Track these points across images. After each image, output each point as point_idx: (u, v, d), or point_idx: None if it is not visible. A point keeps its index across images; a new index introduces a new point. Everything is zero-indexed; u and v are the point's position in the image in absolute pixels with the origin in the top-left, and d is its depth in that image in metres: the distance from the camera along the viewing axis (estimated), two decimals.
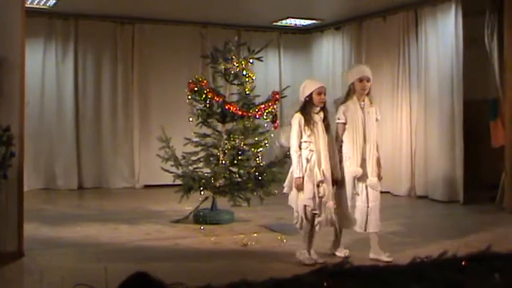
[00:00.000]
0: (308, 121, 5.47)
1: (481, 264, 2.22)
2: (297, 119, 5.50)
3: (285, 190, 5.60)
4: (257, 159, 7.58)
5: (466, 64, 9.02)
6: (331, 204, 5.41)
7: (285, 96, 7.87)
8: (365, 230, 5.65)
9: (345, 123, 5.67)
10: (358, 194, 5.63)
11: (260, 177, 7.45)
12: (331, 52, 11.97)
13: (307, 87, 5.58)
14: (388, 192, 9.82)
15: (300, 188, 5.41)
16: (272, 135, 7.73)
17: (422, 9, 9.75)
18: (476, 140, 9.43)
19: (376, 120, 5.76)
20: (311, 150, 5.43)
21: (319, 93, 5.51)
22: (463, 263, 2.23)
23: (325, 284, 1.90)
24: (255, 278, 2.05)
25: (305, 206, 5.41)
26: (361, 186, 5.63)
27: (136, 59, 11.25)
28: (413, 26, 9.97)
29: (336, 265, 2.11)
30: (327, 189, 5.41)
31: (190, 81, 7.61)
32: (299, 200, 5.45)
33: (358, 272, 2.13)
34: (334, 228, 5.72)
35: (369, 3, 10.05)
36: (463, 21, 9.01)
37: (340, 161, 5.65)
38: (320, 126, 5.50)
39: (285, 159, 7.59)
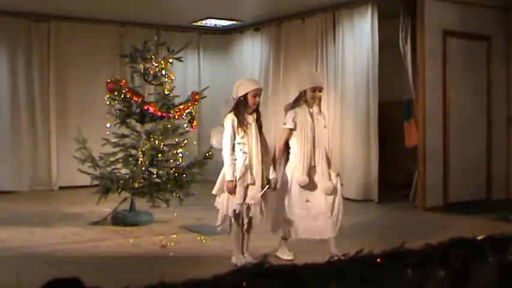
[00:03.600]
0: (241, 122, 5.33)
1: (395, 261, 2.29)
2: (230, 119, 5.35)
3: (215, 192, 5.43)
4: (177, 159, 7.53)
5: (382, 66, 9.27)
6: (258, 198, 5.31)
7: (205, 96, 7.87)
8: (320, 236, 5.57)
9: (292, 130, 5.58)
10: (308, 201, 5.54)
11: (179, 178, 7.41)
12: (250, 53, 12.05)
13: (243, 87, 5.38)
14: None
15: (231, 191, 5.29)
16: (192, 135, 7.71)
17: (340, 11, 9.94)
18: (391, 140, 9.70)
19: (325, 127, 5.73)
20: (245, 153, 5.32)
21: (255, 96, 5.36)
22: (378, 259, 2.28)
23: (244, 284, 1.91)
24: (174, 280, 2.04)
25: (234, 210, 5.31)
26: (309, 193, 5.54)
27: (52, 57, 10.93)
28: (331, 28, 10.14)
29: (255, 265, 2.12)
30: (256, 191, 5.31)
31: (109, 80, 7.50)
32: (230, 204, 5.33)
33: (277, 271, 2.15)
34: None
35: (288, 4, 10.17)
36: (379, 24, 9.25)
37: (280, 164, 5.59)
38: (253, 128, 5.37)
39: (204, 160, 7.60)
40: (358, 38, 9.60)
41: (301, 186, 5.53)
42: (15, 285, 3.04)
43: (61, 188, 10.85)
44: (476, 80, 9.14)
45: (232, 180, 5.28)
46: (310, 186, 5.55)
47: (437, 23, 8.66)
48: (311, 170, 5.56)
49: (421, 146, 8.67)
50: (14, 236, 6.72)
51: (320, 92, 5.65)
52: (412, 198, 9.04)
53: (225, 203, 5.37)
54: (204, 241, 6.50)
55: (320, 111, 5.73)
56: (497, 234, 2.70)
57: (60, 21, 10.95)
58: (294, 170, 5.57)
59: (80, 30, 11.07)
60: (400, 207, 8.90)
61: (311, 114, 5.61)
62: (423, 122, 8.64)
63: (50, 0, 9.88)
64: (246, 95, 5.35)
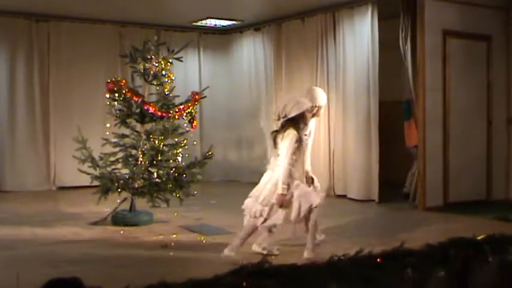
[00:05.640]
0: (300, 140, 5.47)
1: (395, 261, 2.29)
2: (294, 136, 5.42)
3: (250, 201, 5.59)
4: (176, 159, 7.53)
5: (382, 66, 9.26)
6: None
7: (205, 96, 7.87)
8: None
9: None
10: None
11: (179, 178, 7.41)
12: (250, 53, 12.04)
13: (300, 104, 5.51)
14: None
15: (282, 205, 5.43)
16: (192, 135, 7.70)
17: (340, 11, 9.93)
18: (391, 140, 9.69)
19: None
20: (293, 167, 5.49)
21: (311, 111, 5.72)
22: (378, 259, 2.28)
23: (244, 284, 1.91)
24: (174, 280, 2.04)
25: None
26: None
27: (52, 57, 10.92)
28: (331, 28, 10.13)
29: (255, 265, 2.12)
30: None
31: (109, 80, 7.49)
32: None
33: (277, 271, 2.15)
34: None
35: (288, 4, 10.16)
36: (379, 24, 9.24)
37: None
38: (304, 146, 5.63)
39: (204, 160, 7.60)
40: (358, 38, 9.59)
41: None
42: (15, 285, 3.03)
43: (61, 188, 10.84)
44: (476, 80, 9.13)
45: (285, 194, 5.40)
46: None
47: (437, 23, 8.65)
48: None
49: (421, 146, 8.66)
50: (14, 235, 6.72)
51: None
52: (412, 198, 9.03)
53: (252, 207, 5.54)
54: (204, 241, 6.50)
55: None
56: (497, 234, 2.70)
57: (60, 21, 10.94)
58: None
59: (80, 30, 11.06)
60: (400, 207, 8.89)
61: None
62: (423, 122, 8.63)
63: (50, 0, 9.87)
64: (303, 112, 5.50)
